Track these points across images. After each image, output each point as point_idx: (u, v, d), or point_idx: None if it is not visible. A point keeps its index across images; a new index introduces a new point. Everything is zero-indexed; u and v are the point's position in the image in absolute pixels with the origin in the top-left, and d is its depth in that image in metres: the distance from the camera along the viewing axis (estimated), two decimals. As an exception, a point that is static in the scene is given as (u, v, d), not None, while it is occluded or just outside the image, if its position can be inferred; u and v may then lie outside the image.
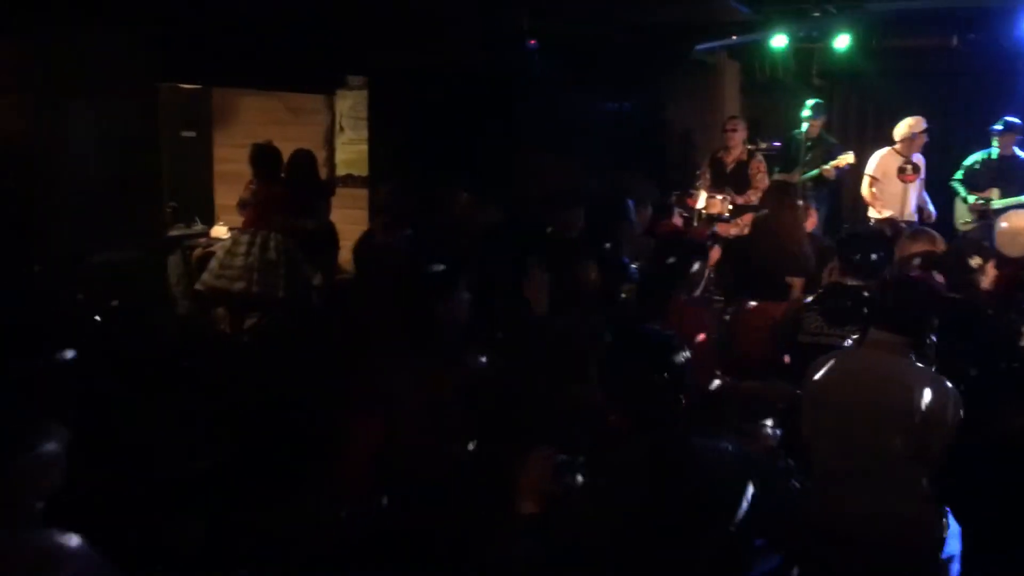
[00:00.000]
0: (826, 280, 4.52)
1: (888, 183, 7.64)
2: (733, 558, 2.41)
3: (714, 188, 7.80)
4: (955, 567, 3.65)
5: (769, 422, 3.69)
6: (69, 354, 3.39)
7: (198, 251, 7.09)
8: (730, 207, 7.64)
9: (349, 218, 7.62)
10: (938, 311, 3.46)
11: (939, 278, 3.96)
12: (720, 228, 7.62)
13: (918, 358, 3.04)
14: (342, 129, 8.47)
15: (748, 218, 7.20)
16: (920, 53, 8.69)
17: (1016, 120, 7.49)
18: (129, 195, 5.55)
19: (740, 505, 2.36)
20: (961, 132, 8.76)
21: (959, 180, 7.70)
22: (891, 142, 7.76)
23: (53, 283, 4.88)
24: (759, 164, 7.84)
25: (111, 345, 4.36)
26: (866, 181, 7.84)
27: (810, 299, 4.15)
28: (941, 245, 4.43)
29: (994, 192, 7.46)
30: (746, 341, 4.48)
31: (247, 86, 7.89)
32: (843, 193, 9.27)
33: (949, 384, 2.98)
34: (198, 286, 6.50)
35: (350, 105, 8.38)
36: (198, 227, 7.80)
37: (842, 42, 8.20)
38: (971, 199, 7.54)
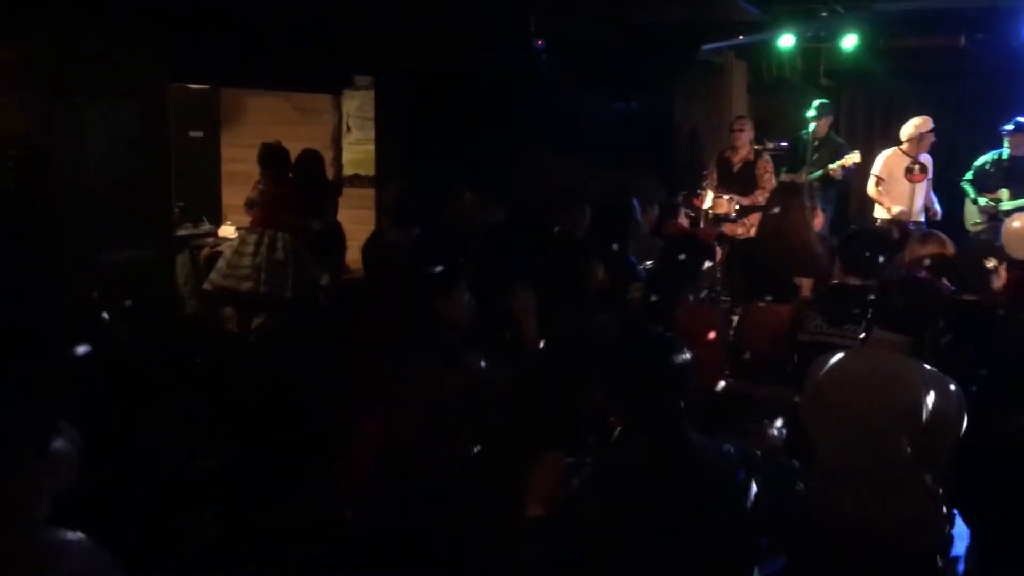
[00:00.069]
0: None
1: (894, 183, 7.62)
2: (736, 558, 2.41)
3: (721, 188, 7.79)
4: (961, 568, 3.66)
5: (775, 423, 3.69)
6: (81, 349, 3.40)
7: (206, 251, 7.12)
8: (737, 207, 7.64)
9: (356, 218, 7.63)
10: (949, 312, 3.46)
11: (945, 282, 3.96)
12: (727, 228, 7.62)
13: (920, 358, 3.04)
14: (349, 129, 8.48)
15: (755, 218, 7.20)
16: (928, 53, 8.68)
17: (1028, 120, 7.48)
18: (138, 195, 5.56)
19: (741, 505, 2.36)
20: (968, 132, 8.76)
21: (969, 181, 7.69)
22: (898, 142, 7.75)
23: (62, 283, 4.89)
24: (766, 164, 7.83)
25: (121, 344, 4.37)
26: (872, 181, 7.83)
27: (811, 299, 4.16)
28: (951, 248, 4.42)
29: (1004, 193, 7.44)
30: (754, 342, 4.48)
31: (255, 86, 7.91)
32: (850, 193, 9.26)
33: (952, 385, 2.98)
34: (206, 285, 6.52)
35: (357, 105, 8.40)
36: (206, 227, 7.82)
37: (849, 42, 8.19)
38: (981, 201, 7.52)
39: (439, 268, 3.24)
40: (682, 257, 4.07)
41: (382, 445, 3.10)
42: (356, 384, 3.35)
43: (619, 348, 2.47)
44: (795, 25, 8.21)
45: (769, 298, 4.79)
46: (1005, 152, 7.54)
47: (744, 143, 7.86)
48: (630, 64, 8.61)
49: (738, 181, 7.79)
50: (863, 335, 3.64)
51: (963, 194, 7.76)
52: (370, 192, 8.03)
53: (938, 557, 3.15)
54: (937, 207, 7.63)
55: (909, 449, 2.94)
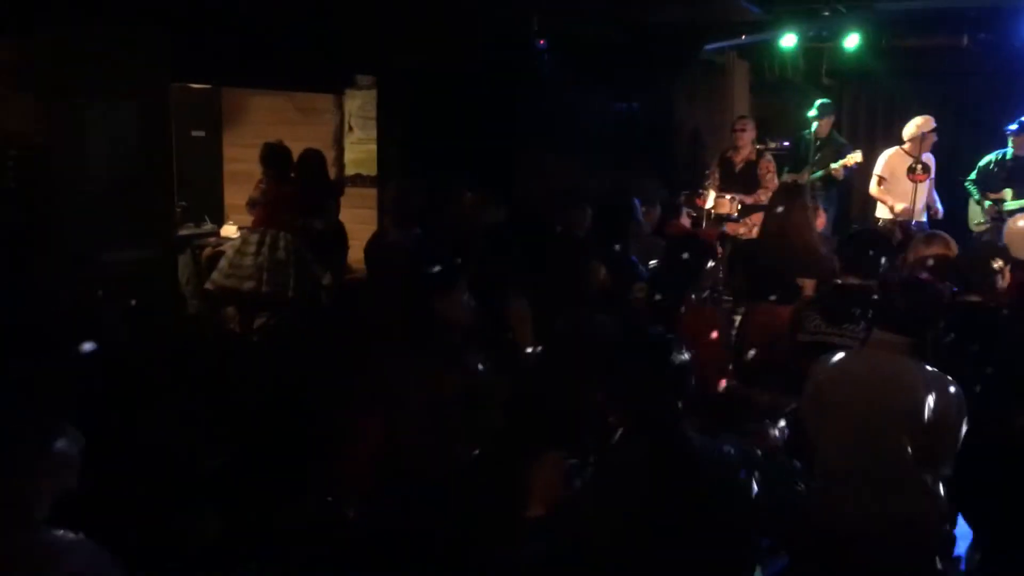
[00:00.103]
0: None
1: (896, 183, 7.62)
2: (738, 558, 2.41)
3: (723, 188, 7.79)
4: (962, 568, 3.66)
5: (775, 423, 3.69)
6: (87, 347, 3.40)
7: (208, 250, 7.11)
8: (739, 207, 7.63)
9: (358, 217, 7.63)
10: (951, 313, 3.47)
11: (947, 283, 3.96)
12: (729, 228, 7.62)
13: (921, 359, 3.04)
14: (351, 129, 8.48)
15: (757, 218, 7.20)
16: (930, 53, 8.67)
17: (1032, 120, 7.47)
18: (140, 195, 5.56)
19: (742, 505, 2.36)
20: (971, 132, 8.74)
21: (972, 181, 7.68)
22: (901, 142, 7.74)
23: (64, 283, 4.89)
24: (768, 164, 7.83)
25: (123, 344, 4.37)
26: (874, 180, 7.83)
27: (811, 298, 4.17)
28: (954, 249, 4.42)
29: (1007, 193, 7.43)
30: (755, 342, 4.48)
31: (256, 86, 7.91)
32: (853, 193, 9.26)
33: (953, 386, 2.98)
34: (208, 285, 6.51)
35: (359, 105, 8.39)
36: (208, 226, 7.82)
37: (852, 42, 8.19)
38: (986, 204, 7.52)
39: (438, 268, 3.24)
40: (685, 257, 4.07)
41: (382, 445, 3.10)
42: (357, 384, 3.35)
43: (619, 348, 2.47)
44: (797, 25, 8.20)
45: (773, 298, 4.79)
46: (1009, 152, 7.53)
47: (746, 143, 7.86)
48: (632, 64, 8.60)
49: (740, 181, 7.79)
50: (863, 335, 3.65)
51: (967, 194, 7.75)
52: (372, 192, 8.03)
53: (939, 557, 3.14)
54: (939, 206, 7.62)
55: (910, 449, 2.94)
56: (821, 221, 6.15)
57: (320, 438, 3.51)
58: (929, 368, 3.00)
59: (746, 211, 7.62)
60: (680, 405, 2.36)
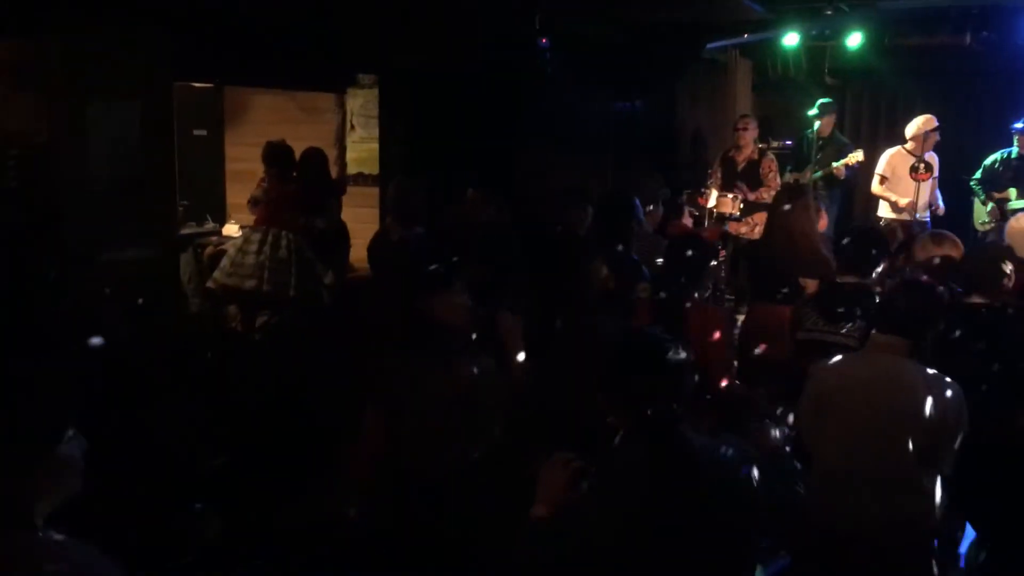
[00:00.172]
0: None
1: (898, 182, 7.61)
2: (739, 558, 2.41)
3: (725, 187, 7.78)
4: (963, 567, 3.65)
5: (778, 423, 3.68)
6: (95, 340, 3.40)
7: (210, 249, 7.11)
8: (741, 206, 7.63)
9: (360, 216, 7.63)
10: (959, 314, 3.47)
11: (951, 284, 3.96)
12: (731, 227, 7.62)
13: (921, 360, 3.05)
14: (353, 127, 8.48)
15: (759, 217, 7.19)
16: (933, 51, 8.65)
17: (1039, 119, 7.46)
18: (142, 194, 5.56)
19: (744, 505, 2.36)
20: (974, 131, 8.74)
21: (978, 180, 7.67)
22: (903, 141, 7.73)
23: (66, 283, 4.89)
24: (770, 163, 7.83)
25: (125, 343, 4.38)
26: (876, 179, 7.82)
27: (810, 297, 4.17)
28: (961, 250, 4.42)
29: (1012, 192, 7.42)
30: (758, 342, 4.48)
31: (258, 85, 7.91)
32: (855, 193, 9.25)
33: (953, 388, 2.98)
34: (209, 284, 6.51)
35: (361, 104, 8.39)
36: (210, 225, 7.83)
37: (854, 40, 8.18)
38: (990, 205, 7.51)
39: (433, 268, 3.23)
40: (686, 257, 4.07)
41: (382, 445, 3.10)
42: (358, 383, 3.35)
43: (617, 349, 2.47)
44: (800, 23, 8.19)
45: (779, 297, 4.79)
46: (1015, 151, 7.52)
47: (748, 142, 7.85)
48: (634, 63, 8.60)
49: (742, 180, 7.79)
50: (860, 334, 3.65)
51: (972, 193, 7.74)
52: (374, 191, 8.03)
53: (940, 557, 3.14)
54: (940, 203, 7.61)
55: (911, 450, 2.94)
56: (823, 222, 6.15)
57: (322, 437, 3.51)
58: (929, 370, 3.00)
59: (748, 210, 7.61)
60: (680, 405, 2.36)
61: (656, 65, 8.81)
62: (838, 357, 3.23)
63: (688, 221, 6.79)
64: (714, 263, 4.23)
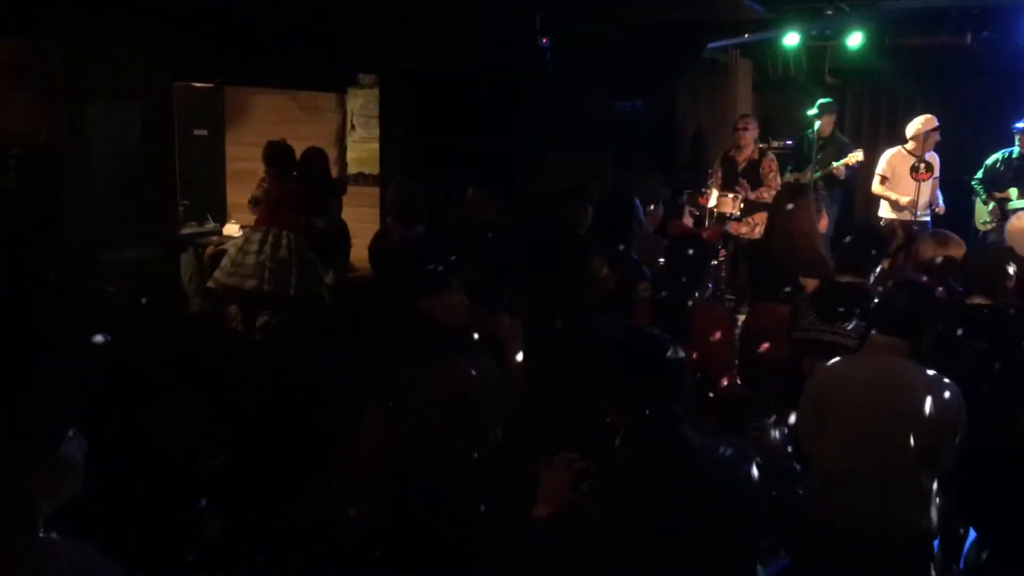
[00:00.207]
0: None
1: (898, 182, 7.61)
2: (739, 559, 2.41)
3: (726, 187, 7.78)
4: (962, 568, 3.65)
5: (778, 423, 3.69)
6: (99, 338, 3.40)
7: (210, 249, 7.12)
8: (741, 205, 7.63)
9: (360, 216, 7.63)
10: (960, 314, 3.46)
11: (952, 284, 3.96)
12: (731, 227, 7.62)
13: (920, 361, 3.05)
14: (353, 127, 8.48)
15: (759, 217, 7.19)
16: (934, 51, 8.65)
17: (1040, 118, 7.46)
18: (142, 194, 5.56)
19: (742, 506, 2.36)
20: (975, 131, 8.73)
21: (979, 180, 7.67)
22: (904, 141, 7.73)
23: (66, 283, 4.90)
24: (771, 163, 7.83)
25: (125, 343, 4.38)
26: (877, 180, 7.82)
27: (806, 296, 4.18)
28: (963, 251, 4.42)
29: (1013, 192, 7.42)
30: (758, 342, 4.48)
31: (259, 84, 7.91)
32: (856, 193, 9.25)
33: (952, 388, 2.98)
34: (210, 284, 6.52)
35: (361, 103, 8.40)
36: (210, 225, 7.83)
37: (855, 40, 8.17)
38: (991, 204, 7.50)
39: (430, 268, 3.23)
40: (690, 254, 4.07)
41: (383, 445, 3.10)
42: (358, 383, 3.35)
43: (617, 349, 2.47)
44: (800, 23, 8.19)
45: (781, 297, 4.78)
46: (1016, 150, 7.52)
47: (748, 142, 7.86)
48: (634, 63, 8.59)
49: (743, 180, 7.79)
50: (856, 333, 3.65)
51: (973, 193, 7.74)
52: (374, 190, 8.03)
53: (940, 558, 3.14)
54: (940, 203, 7.61)
55: (911, 451, 2.94)
56: (824, 223, 6.15)
57: (320, 438, 3.51)
58: (929, 371, 3.00)
59: (748, 210, 7.62)
60: (680, 405, 2.36)
61: (656, 65, 8.81)
62: (837, 359, 3.23)
63: (688, 221, 6.79)
64: (714, 263, 4.23)
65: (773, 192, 7.36)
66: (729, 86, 9.75)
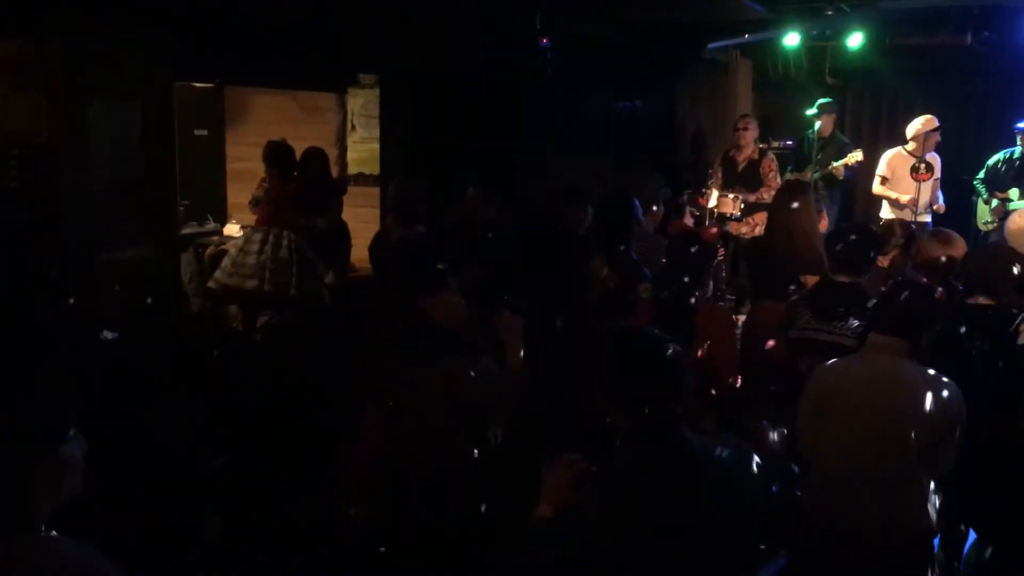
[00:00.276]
0: None
1: (899, 182, 7.61)
2: (739, 559, 2.41)
3: (726, 187, 7.78)
4: (962, 568, 3.65)
5: (777, 424, 3.69)
6: (109, 335, 3.40)
7: (211, 249, 7.12)
8: (741, 206, 7.63)
9: (361, 216, 7.63)
10: (962, 315, 3.46)
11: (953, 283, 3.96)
12: (731, 227, 7.62)
13: (919, 361, 3.05)
14: (354, 127, 8.48)
15: (760, 217, 7.19)
16: (934, 51, 8.65)
17: (1042, 119, 7.46)
18: (143, 194, 5.57)
19: (742, 506, 2.36)
20: (975, 131, 8.74)
21: (981, 180, 7.67)
22: (904, 141, 7.73)
23: (67, 283, 4.90)
24: (771, 163, 7.83)
25: (125, 343, 4.38)
26: (877, 180, 7.82)
27: (802, 295, 4.17)
28: (964, 250, 4.42)
29: (1014, 192, 7.42)
30: (758, 340, 4.48)
31: (259, 84, 7.91)
32: (856, 193, 9.25)
33: (951, 387, 2.99)
34: (211, 284, 6.52)
35: (362, 103, 8.39)
36: (211, 225, 7.83)
37: (855, 40, 8.17)
38: (993, 203, 7.50)
39: (427, 268, 3.23)
40: (691, 253, 4.07)
41: (383, 445, 3.11)
42: (358, 383, 3.35)
43: (617, 349, 2.47)
44: (800, 23, 8.19)
45: (775, 298, 4.78)
46: (1018, 151, 7.52)
47: (748, 142, 7.86)
48: (634, 63, 8.59)
49: (743, 180, 7.80)
50: (852, 332, 3.65)
51: (974, 193, 7.74)
52: (375, 191, 8.02)
53: (941, 557, 3.14)
54: (941, 203, 7.61)
55: (911, 451, 2.95)
56: (824, 223, 6.15)
57: (320, 438, 3.51)
58: (929, 370, 3.01)
59: (749, 210, 7.62)
60: (680, 405, 2.36)
61: (656, 65, 8.81)
62: (837, 360, 3.23)
63: (689, 221, 6.79)
64: (714, 264, 4.23)
65: (773, 192, 7.36)
66: (729, 86, 9.75)
